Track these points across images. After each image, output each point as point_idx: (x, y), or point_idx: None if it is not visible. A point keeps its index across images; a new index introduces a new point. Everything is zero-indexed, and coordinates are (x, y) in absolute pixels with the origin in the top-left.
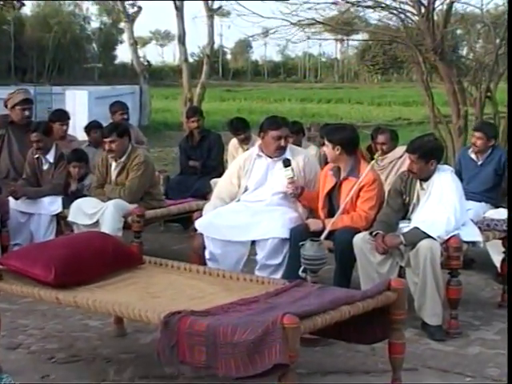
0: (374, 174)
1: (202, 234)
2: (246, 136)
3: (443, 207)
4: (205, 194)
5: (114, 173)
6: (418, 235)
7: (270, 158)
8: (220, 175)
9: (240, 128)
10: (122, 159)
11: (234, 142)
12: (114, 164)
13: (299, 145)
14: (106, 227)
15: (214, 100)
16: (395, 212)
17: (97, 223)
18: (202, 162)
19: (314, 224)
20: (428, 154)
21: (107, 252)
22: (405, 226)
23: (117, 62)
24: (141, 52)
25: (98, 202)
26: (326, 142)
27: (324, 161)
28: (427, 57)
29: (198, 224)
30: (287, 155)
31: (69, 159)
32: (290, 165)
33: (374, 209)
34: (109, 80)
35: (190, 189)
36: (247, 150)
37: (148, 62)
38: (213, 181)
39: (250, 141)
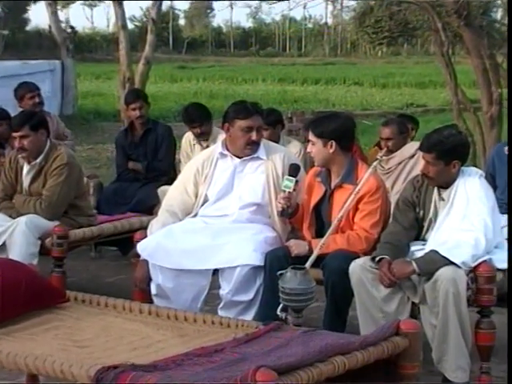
0: (376, 179)
1: (146, 262)
2: (205, 129)
3: (469, 224)
4: (150, 208)
5: (26, 179)
6: (437, 261)
7: (238, 157)
8: (171, 182)
9: (197, 118)
10: (38, 160)
11: (189, 136)
12: (26, 167)
13: (277, 140)
14: (16, 252)
15: (163, 80)
16: (405, 230)
17: (3, 247)
18: (147, 164)
19: (297, 247)
20: (449, 152)
21: (18, 287)
22: (418, 250)
23: (29, 28)
24: (62, 15)
25: (5, 219)
26: (312, 137)
27: (310, 162)
28: (448, 22)
29: (142, 248)
30: (260, 153)
31: None
32: (297, 174)
33: (377, 226)
34: (18, 52)
35: (130, 200)
36: (207, 147)
37: (72, 28)
38: (161, 189)
39: (210, 135)
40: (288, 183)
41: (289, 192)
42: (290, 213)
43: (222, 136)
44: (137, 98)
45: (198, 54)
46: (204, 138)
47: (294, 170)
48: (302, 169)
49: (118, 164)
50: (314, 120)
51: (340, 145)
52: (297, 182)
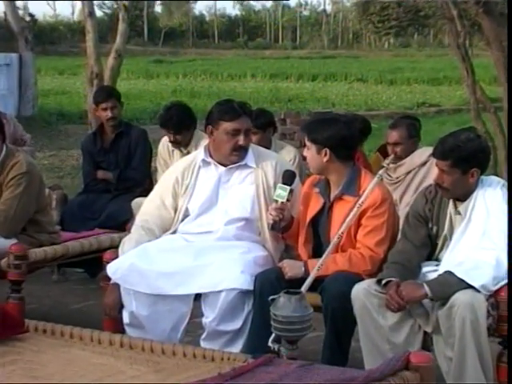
0: (382, 190)
1: (118, 286)
2: (181, 138)
3: (490, 241)
4: (122, 223)
5: None
6: (452, 284)
7: (223, 165)
8: (146, 193)
9: (176, 122)
10: None
11: (166, 140)
12: None
13: (268, 146)
14: None
15: (137, 76)
16: (416, 249)
17: None
18: (119, 173)
19: (291, 268)
20: (466, 159)
21: None
22: (431, 271)
23: None
24: (20, 1)
25: None
26: (307, 142)
27: (308, 170)
28: (465, 9)
29: (113, 270)
30: (248, 161)
31: None
32: (293, 182)
33: (384, 244)
34: None
35: (98, 215)
36: (187, 153)
37: (31, 16)
38: (135, 202)
39: (190, 139)
40: (281, 192)
41: (282, 202)
42: (282, 227)
43: (205, 141)
44: (108, 97)
45: (177, 46)
46: (183, 143)
47: (288, 178)
48: (297, 177)
49: (84, 173)
50: (310, 122)
51: (336, 153)
52: (291, 191)
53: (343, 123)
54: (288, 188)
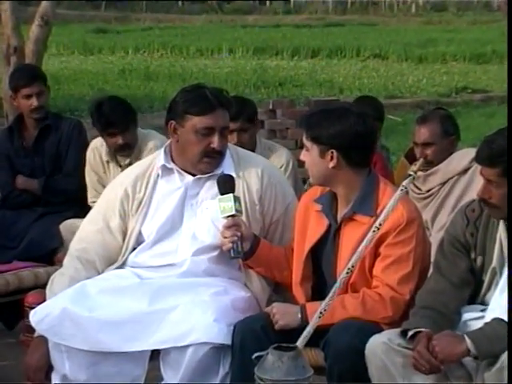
0: (408, 208)
1: (45, 340)
2: (130, 137)
3: None
4: (50, 253)
5: None
6: (503, 337)
7: (191, 174)
8: (83, 212)
9: (121, 115)
10: None
11: (98, 148)
12: None
13: (252, 147)
14: None
15: (72, 51)
16: (454, 288)
17: None
18: (45, 181)
19: (283, 314)
20: None
21: None
22: (475, 318)
23: None
24: None
25: None
26: (306, 141)
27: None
28: None
29: (38, 318)
30: (226, 168)
31: None
32: (232, 190)
33: (410, 282)
34: None
35: (18, 241)
36: (129, 165)
37: None
38: (67, 224)
39: (135, 141)
40: (225, 205)
41: (232, 216)
42: (241, 251)
43: (152, 145)
44: (32, 80)
45: (127, 10)
46: (125, 148)
47: (223, 184)
48: (289, 186)
49: None
50: (310, 115)
51: (346, 157)
52: (238, 198)
53: (356, 116)
54: (231, 195)
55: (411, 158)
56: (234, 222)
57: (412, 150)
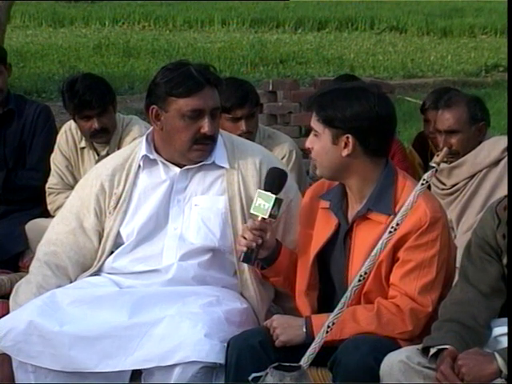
0: (432, 205)
1: (8, 359)
2: (108, 121)
3: None
4: (14, 258)
5: None
6: None
7: (177, 165)
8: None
9: (98, 94)
10: None
11: (72, 133)
12: None
13: (250, 135)
14: None
15: (39, 22)
16: (484, 298)
17: None
18: (5, 176)
19: (285, 328)
20: None
21: None
22: (507, 334)
23: None
24: None
25: None
26: (316, 124)
27: (313, 173)
28: None
29: (1, 333)
30: (218, 159)
31: None
32: (278, 190)
33: (433, 291)
34: None
35: None
36: (106, 155)
37: None
38: (33, 224)
39: (113, 126)
40: (263, 203)
41: (263, 219)
42: (262, 258)
43: (136, 133)
44: None
45: None
46: (103, 137)
47: (274, 180)
48: (292, 181)
49: None
50: (321, 94)
51: (363, 144)
52: (279, 201)
53: (376, 96)
54: (273, 197)
55: (419, 148)
56: (260, 226)
57: (420, 137)
